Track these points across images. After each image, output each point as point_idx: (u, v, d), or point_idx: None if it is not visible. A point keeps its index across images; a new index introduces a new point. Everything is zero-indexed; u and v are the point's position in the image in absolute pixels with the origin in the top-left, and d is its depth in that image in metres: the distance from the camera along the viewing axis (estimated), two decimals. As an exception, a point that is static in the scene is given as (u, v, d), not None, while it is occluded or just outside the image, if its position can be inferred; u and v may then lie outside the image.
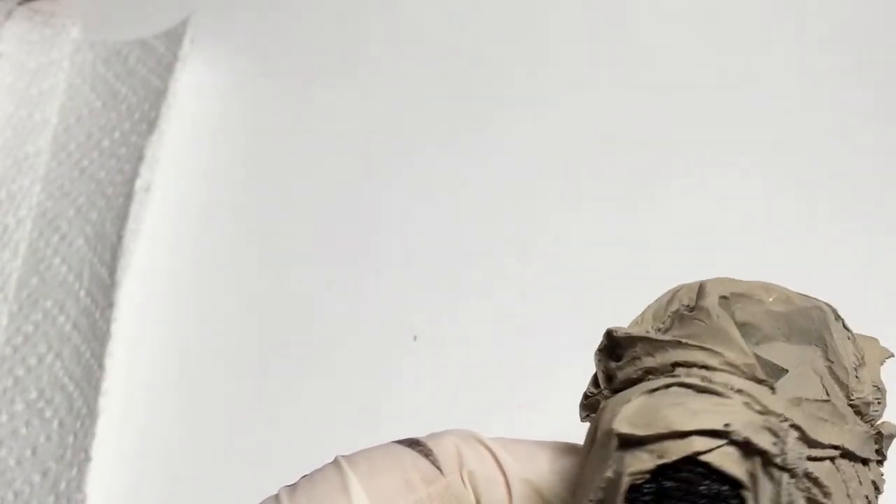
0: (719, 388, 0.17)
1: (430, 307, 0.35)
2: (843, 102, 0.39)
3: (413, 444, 0.20)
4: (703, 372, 0.17)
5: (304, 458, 0.31)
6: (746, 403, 0.16)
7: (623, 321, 0.33)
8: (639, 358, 0.18)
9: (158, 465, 0.32)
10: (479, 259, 0.36)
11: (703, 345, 0.17)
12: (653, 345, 0.18)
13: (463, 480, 0.19)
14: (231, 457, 0.32)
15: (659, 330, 0.19)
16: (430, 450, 0.20)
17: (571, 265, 0.36)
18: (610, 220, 0.37)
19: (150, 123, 0.39)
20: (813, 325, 0.19)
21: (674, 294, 0.20)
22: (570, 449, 0.20)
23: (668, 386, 0.17)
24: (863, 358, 0.19)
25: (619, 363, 0.18)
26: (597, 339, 0.33)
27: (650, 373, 0.18)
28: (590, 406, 0.19)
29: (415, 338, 0.34)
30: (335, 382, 0.34)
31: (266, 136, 0.41)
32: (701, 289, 0.19)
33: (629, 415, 0.16)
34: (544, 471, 0.20)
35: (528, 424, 0.32)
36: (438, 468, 0.19)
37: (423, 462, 0.19)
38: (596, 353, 0.19)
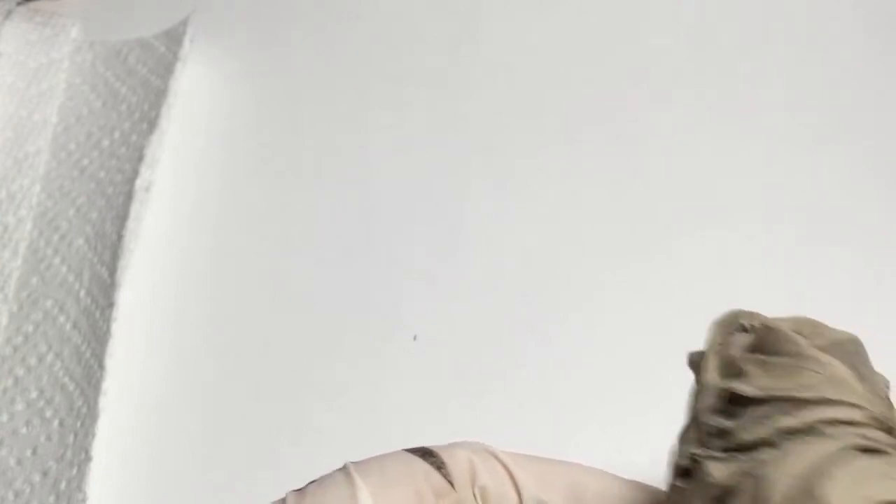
0: (882, 447, 0.16)
1: (430, 307, 0.35)
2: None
3: (426, 454, 0.20)
4: (853, 429, 0.16)
5: (304, 458, 0.32)
6: None
7: (623, 319, 0.34)
8: (770, 417, 0.17)
9: (159, 464, 0.32)
10: (480, 259, 0.36)
11: (850, 400, 0.16)
12: (794, 403, 0.17)
13: (475, 496, 0.19)
14: (231, 456, 0.32)
15: (731, 376, 0.18)
16: (442, 462, 0.19)
17: (571, 264, 0.36)
18: (610, 217, 0.37)
19: (151, 123, 0.39)
20: (849, 357, 0.18)
21: (724, 335, 0.19)
22: (587, 473, 0.20)
23: (840, 451, 0.16)
24: (887, 385, 0.18)
25: (741, 421, 0.17)
26: (595, 339, 0.33)
27: (789, 433, 0.16)
28: (686, 470, 0.18)
29: (415, 338, 0.34)
30: (335, 382, 0.34)
31: (266, 136, 0.41)
32: (780, 332, 0.18)
33: (842, 494, 0.15)
34: (560, 492, 0.19)
35: (528, 425, 0.32)
36: (450, 482, 0.19)
37: (436, 475, 0.19)
38: (704, 413, 0.18)
